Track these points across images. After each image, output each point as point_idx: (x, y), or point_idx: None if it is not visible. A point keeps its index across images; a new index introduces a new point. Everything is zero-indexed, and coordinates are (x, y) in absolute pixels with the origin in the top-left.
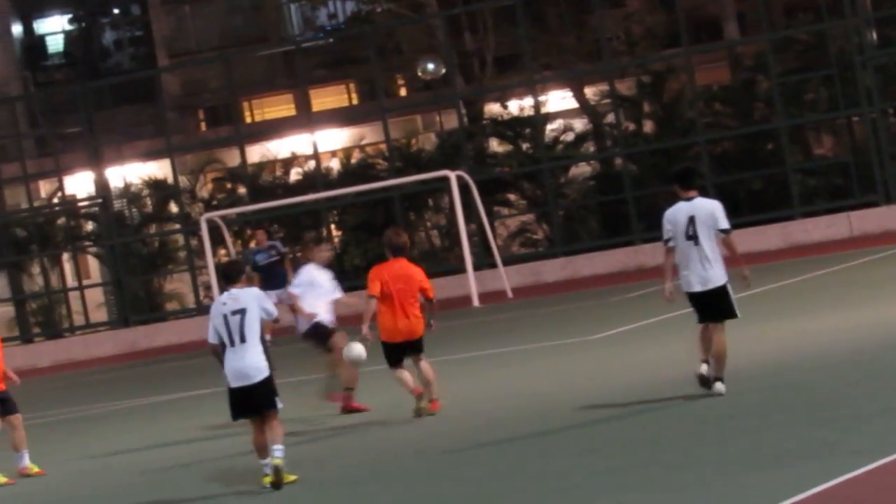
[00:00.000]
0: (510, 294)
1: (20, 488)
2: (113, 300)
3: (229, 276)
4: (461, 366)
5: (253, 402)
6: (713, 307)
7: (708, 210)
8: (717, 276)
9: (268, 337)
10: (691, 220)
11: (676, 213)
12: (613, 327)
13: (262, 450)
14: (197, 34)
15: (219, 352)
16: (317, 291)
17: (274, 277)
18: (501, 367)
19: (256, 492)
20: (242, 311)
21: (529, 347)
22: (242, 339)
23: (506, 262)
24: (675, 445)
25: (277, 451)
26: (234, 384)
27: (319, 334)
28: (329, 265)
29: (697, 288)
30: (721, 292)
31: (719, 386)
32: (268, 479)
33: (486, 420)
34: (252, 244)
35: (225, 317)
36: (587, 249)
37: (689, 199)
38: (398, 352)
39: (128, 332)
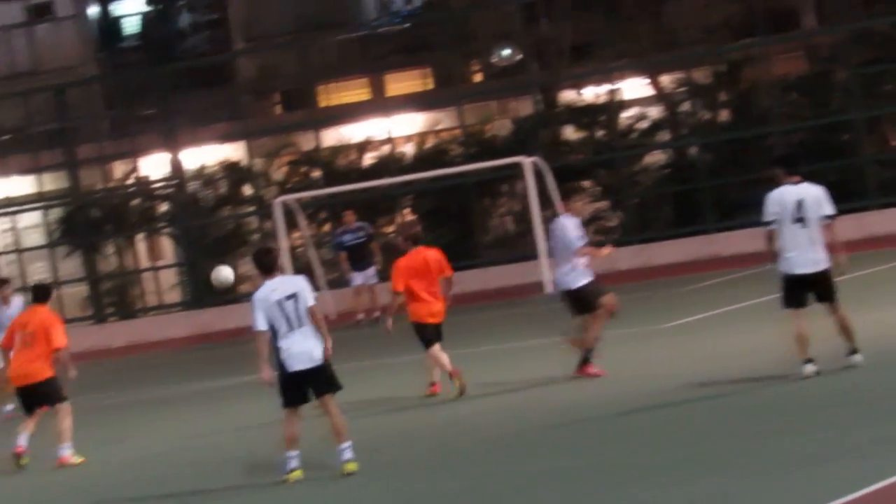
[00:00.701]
0: None
1: (79, 472)
2: (186, 282)
3: (267, 266)
4: (534, 351)
5: (315, 386)
6: (821, 288)
7: (815, 194)
8: (824, 258)
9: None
10: (799, 204)
11: (784, 196)
12: (685, 316)
13: (295, 441)
14: (273, 18)
15: (268, 339)
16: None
17: (361, 258)
18: (573, 355)
19: (316, 480)
20: (295, 296)
21: (601, 335)
22: (300, 324)
23: None
24: (735, 435)
25: (347, 452)
26: (296, 367)
27: (586, 294)
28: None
29: (807, 269)
30: (828, 274)
31: (857, 358)
32: (296, 474)
33: (558, 405)
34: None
35: (279, 303)
36: (660, 238)
37: (795, 183)
38: (429, 332)
39: (200, 313)
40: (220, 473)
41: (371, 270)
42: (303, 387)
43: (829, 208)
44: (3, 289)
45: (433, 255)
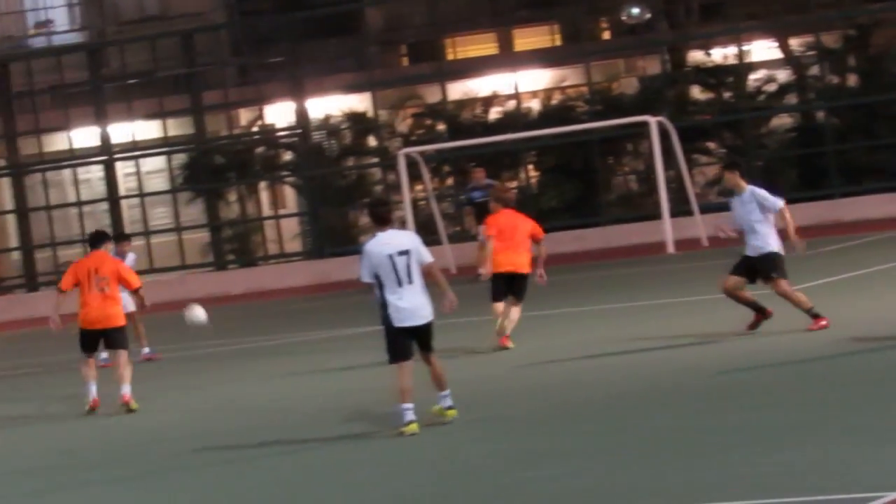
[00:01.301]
0: (705, 242)
1: (191, 415)
2: (308, 231)
3: (382, 218)
4: (652, 311)
5: (420, 343)
6: None
7: None
8: None
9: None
10: None
11: None
12: (807, 281)
13: (408, 394)
14: None
15: (374, 291)
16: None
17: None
18: (693, 315)
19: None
20: (407, 252)
21: (720, 297)
22: (410, 280)
23: (702, 211)
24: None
25: (446, 400)
26: (405, 323)
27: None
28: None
29: None
30: None
31: None
32: (412, 427)
33: (674, 366)
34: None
35: (390, 257)
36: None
37: None
38: (503, 283)
39: (321, 263)
40: (337, 424)
41: None
42: (408, 342)
43: None
44: (121, 244)
45: (524, 221)
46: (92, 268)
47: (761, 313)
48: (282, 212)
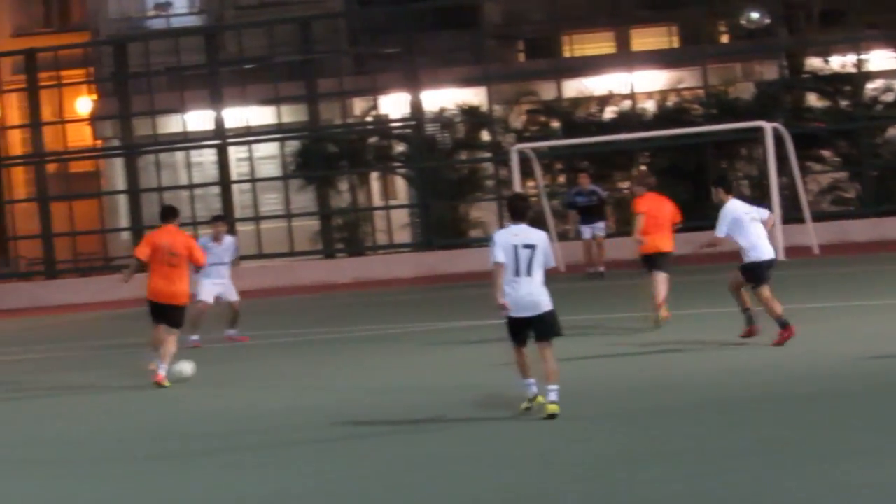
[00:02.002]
0: (816, 250)
1: (319, 396)
2: (417, 223)
3: (519, 211)
4: (759, 318)
5: (536, 331)
6: None
7: None
8: None
9: None
10: None
11: None
12: None
13: (527, 368)
14: None
15: (502, 272)
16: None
17: (591, 216)
18: (802, 324)
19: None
20: (533, 247)
21: (829, 306)
22: (529, 273)
23: (814, 218)
24: None
25: (552, 394)
26: (520, 314)
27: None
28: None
29: None
30: None
31: None
32: (539, 399)
33: (784, 373)
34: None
35: (515, 248)
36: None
37: None
38: (655, 259)
39: (429, 255)
40: (452, 407)
41: (600, 224)
42: (524, 330)
43: None
44: (217, 225)
45: (668, 204)
46: (165, 242)
47: (751, 323)
48: (392, 202)
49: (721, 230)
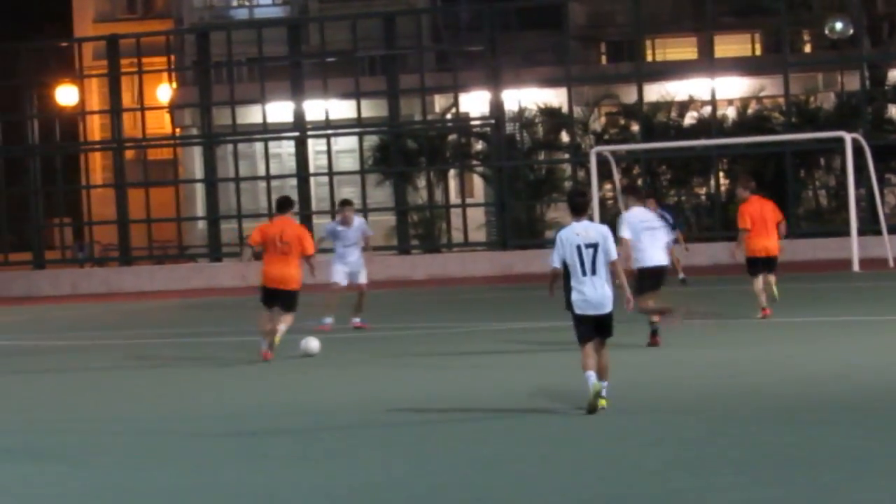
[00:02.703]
0: (892, 263)
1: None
2: (493, 222)
3: (579, 207)
4: (831, 328)
5: (598, 330)
6: None
7: None
8: None
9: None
10: None
11: None
12: None
13: (591, 362)
14: None
15: (560, 275)
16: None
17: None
18: (877, 335)
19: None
20: (595, 246)
21: None
22: (594, 272)
23: (891, 231)
24: None
25: (603, 389)
26: (585, 312)
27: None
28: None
29: None
30: None
31: None
32: (597, 386)
33: (850, 384)
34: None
35: (578, 248)
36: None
37: None
38: (760, 264)
39: (505, 254)
40: (519, 400)
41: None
42: (590, 328)
43: None
44: (345, 209)
45: (770, 204)
46: (277, 232)
47: (655, 335)
48: (469, 201)
49: (623, 232)
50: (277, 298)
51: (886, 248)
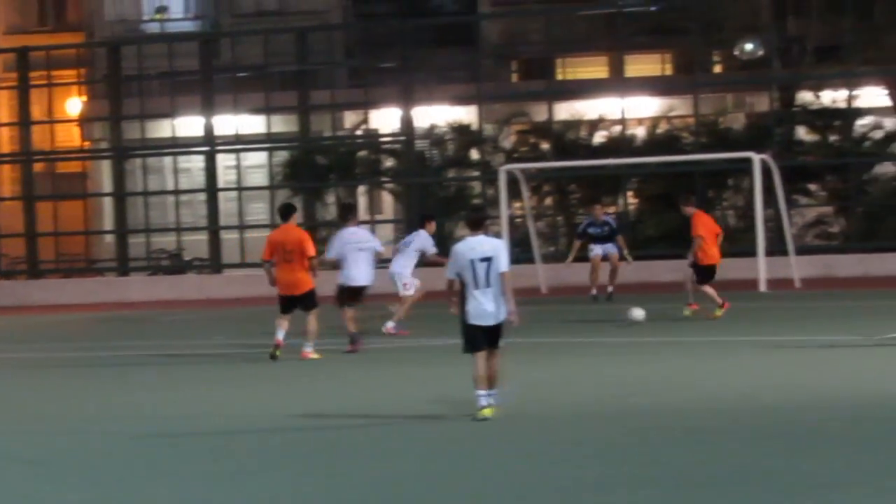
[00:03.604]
0: (798, 284)
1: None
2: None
3: (475, 223)
4: (737, 348)
5: (488, 339)
6: None
7: None
8: None
9: None
10: None
11: None
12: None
13: (482, 381)
14: None
15: (455, 285)
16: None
17: (601, 241)
18: (778, 355)
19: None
20: (489, 259)
21: (807, 339)
22: (487, 284)
23: (798, 252)
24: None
25: (492, 398)
26: (475, 322)
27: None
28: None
29: None
30: None
31: None
32: (486, 411)
33: (756, 404)
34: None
35: (472, 262)
36: (883, 249)
37: None
38: (709, 272)
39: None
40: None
41: (611, 244)
42: (484, 338)
43: None
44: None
45: (711, 218)
46: (280, 241)
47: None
48: (378, 217)
49: (330, 253)
50: (294, 303)
51: (793, 269)
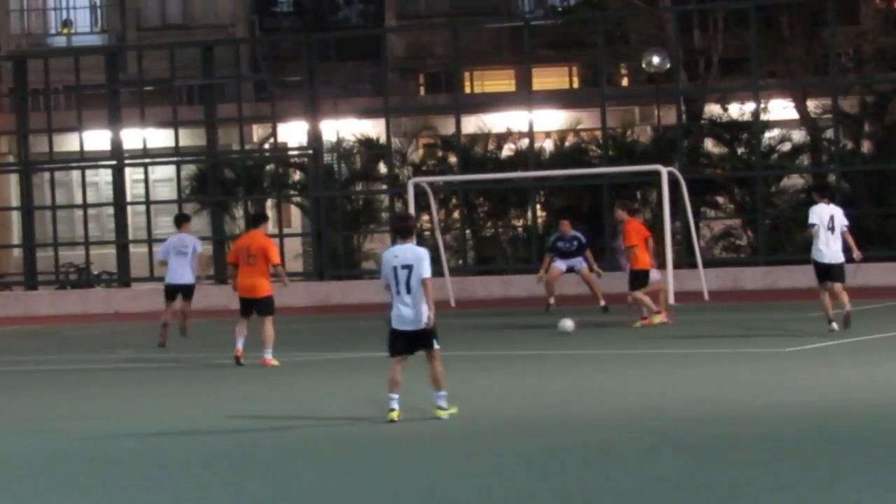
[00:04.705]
0: (706, 296)
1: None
2: (310, 252)
3: (401, 231)
4: (645, 360)
5: (411, 344)
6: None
7: (839, 211)
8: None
9: None
10: (832, 217)
11: (821, 211)
12: (807, 343)
13: (395, 385)
14: None
15: (387, 291)
16: None
17: (569, 256)
18: (686, 367)
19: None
20: (410, 267)
21: (716, 352)
22: (408, 291)
23: (706, 265)
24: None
25: (441, 400)
26: (398, 327)
27: None
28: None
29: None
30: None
31: (836, 325)
32: (395, 414)
33: (667, 416)
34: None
35: (395, 269)
36: (790, 262)
37: (826, 202)
38: (647, 276)
39: (322, 285)
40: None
41: (578, 259)
42: (404, 343)
43: (846, 220)
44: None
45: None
46: (244, 245)
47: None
48: (286, 230)
49: (159, 254)
50: (252, 306)
51: (702, 281)
